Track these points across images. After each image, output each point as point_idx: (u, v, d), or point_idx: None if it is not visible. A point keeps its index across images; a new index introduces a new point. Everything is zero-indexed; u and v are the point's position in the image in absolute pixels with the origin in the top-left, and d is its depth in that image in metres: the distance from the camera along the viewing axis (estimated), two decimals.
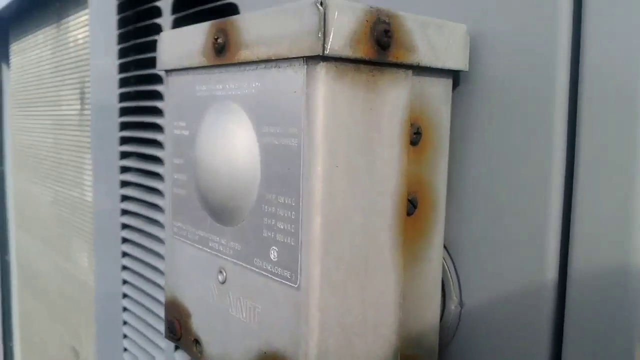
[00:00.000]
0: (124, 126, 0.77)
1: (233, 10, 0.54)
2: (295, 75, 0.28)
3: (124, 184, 0.78)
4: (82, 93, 1.04)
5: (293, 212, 0.29)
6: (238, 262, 0.33)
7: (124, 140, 0.77)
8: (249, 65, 0.32)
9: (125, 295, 0.79)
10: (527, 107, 0.32)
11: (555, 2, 0.31)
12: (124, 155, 0.77)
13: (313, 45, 0.27)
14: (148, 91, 0.72)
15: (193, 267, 0.38)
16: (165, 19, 0.63)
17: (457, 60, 0.33)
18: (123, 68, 0.76)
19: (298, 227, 0.29)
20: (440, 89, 0.34)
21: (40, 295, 1.35)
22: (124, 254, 0.79)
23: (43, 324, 1.34)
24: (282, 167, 0.30)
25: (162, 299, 0.69)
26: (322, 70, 0.27)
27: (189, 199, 0.38)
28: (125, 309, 0.80)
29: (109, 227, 0.83)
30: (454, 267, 0.36)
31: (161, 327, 0.71)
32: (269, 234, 0.31)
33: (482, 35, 0.34)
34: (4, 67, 1.61)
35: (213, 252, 0.35)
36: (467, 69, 0.34)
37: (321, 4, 0.26)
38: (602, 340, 0.29)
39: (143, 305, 0.75)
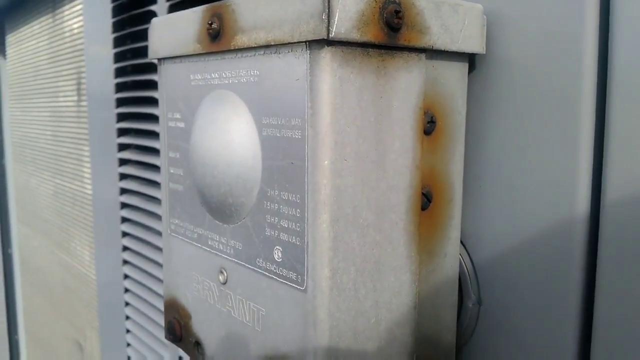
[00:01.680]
0: (122, 117, 0.74)
1: None
2: (297, 61, 0.26)
3: (123, 176, 0.75)
4: (79, 84, 1.02)
5: (298, 210, 0.27)
6: (239, 262, 0.31)
7: (122, 132, 0.75)
8: (246, 52, 0.29)
9: (127, 290, 0.78)
10: (550, 92, 0.30)
11: None
12: (122, 147, 0.75)
13: (317, 28, 0.24)
14: (145, 81, 0.69)
15: (192, 266, 0.36)
16: (160, 6, 0.61)
17: (473, 43, 0.31)
18: (118, 57, 0.73)
19: (304, 226, 0.27)
20: (455, 73, 0.31)
21: (43, 289, 1.34)
22: (125, 248, 0.77)
23: (47, 317, 1.33)
24: (285, 162, 0.27)
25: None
26: (327, 56, 0.25)
27: (186, 194, 0.35)
28: (127, 304, 0.78)
29: (108, 221, 0.81)
30: (472, 262, 0.34)
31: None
32: (272, 233, 0.29)
33: (499, 16, 0.32)
34: (0, 59, 1.58)
35: (213, 251, 0.33)
36: (483, 52, 0.32)
37: None
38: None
39: (145, 300, 0.73)
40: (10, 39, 1.44)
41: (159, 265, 0.68)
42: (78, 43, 1.00)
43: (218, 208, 0.32)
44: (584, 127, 0.29)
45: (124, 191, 0.76)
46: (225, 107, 0.31)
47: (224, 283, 0.33)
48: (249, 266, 0.30)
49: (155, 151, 0.68)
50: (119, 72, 0.74)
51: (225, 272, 0.32)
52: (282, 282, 0.28)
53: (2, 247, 1.63)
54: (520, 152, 0.31)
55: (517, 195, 0.32)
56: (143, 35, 0.67)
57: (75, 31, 1.01)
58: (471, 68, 0.33)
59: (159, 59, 0.37)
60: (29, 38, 1.29)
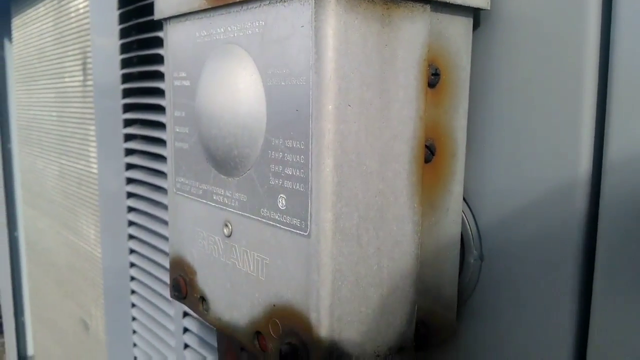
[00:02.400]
0: (127, 93, 0.75)
1: None
2: (302, 7, 0.26)
3: (128, 152, 0.76)
4: (85, 63, 1.02)
5: (302, 156, 0.27)
6: (244, 213, 0.32)
7: (127, 108, 0.75)
8: (252, 4, 0.29)
9: (132, 265, 0.78)
10: (555, 51, 0.30)
11: None
12: (128, 123, 0.75)
13: None
14: (151, 55, 0.69)
15: (197, 222, 0.36)
16: None
17: None
18: (124, 34, 0.73)
19: (308, 172, 0.27)
20: (460, 28, 0.31)
21: (49, 269, 1.35)
22: (130, 223, 0.77)
23: (53, 297, 1.34)
24: (290, 109, 0.28)
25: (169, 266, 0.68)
26: (332, 1, 0.25)
27: (192, 152, 0.36)
28: (132, 278, 0.79)
29: (114, 196, 0.82)
30: (474, 219, 0.34)
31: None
32: (277, 182, 0.29)
33: None
34: (6, 43, 1.59)
35: (218, 206, 0.34)
36: (488, 8, 0.32)
37: None
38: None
39: (150, 274, 0.74)
40: (16, 22, 1.45)
41: (165, 238, 0.68)
42: (84, 23, 1.00)
43: (223, 161, 0.32)
44: (587, 84, 0.29)
45: (129, 166, 0.76)
46: (230, 60, 0.31)
47: (229, 236, 0.33)
48: (254, 217, 0.31)
49: (160, 125, 0.69)
50: (124, 49, 0.74)
51: (230, 225, 0.33)
52: (286, 229, 0.29)
53: (8, 230, 1.64)
54: (524, 110, 0.32)
55: (520, 153, 0.32)
56: (149, 10, 0.67)
57: (81, 10, 1.02)
58: (476, 25, 0.33)
59: (165, 20, 0.37)
60: (34, 20, 1.29)
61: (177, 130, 0.37)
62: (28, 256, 1.56)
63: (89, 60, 1.00)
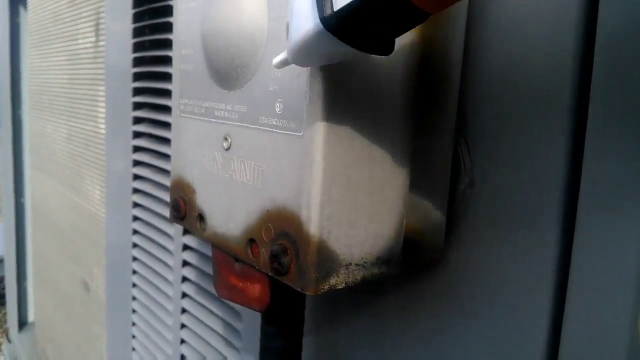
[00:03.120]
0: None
1: None
2: None
3: (137, 105, 0.77)
4: (97, 24, 1.03)
5: None
6: (243, 124, 0.33)
7: (137, 62, 0.76)
8: None
9: (135, 218, 0.80)
10: None
11: None
12: (136, 77, 0.77)
13: None
14: (163, 6, 0.70)
15: (198, 141, 0.37)
16: None
17: None
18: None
19: (305, 73, 0.28)
20: None
21: (53, 232, 1.37)
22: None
23: (55, 260, 1.36)
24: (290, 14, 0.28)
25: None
26: None
27: (196, 71, 0.37)
28: (135, 232, 0.80)
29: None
30: (467, 147, 0.35)
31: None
32: (275, 87, 0.30)
33: None
34: (21, 9, 1.61)
35: (219, 121, 0.35)
36: None
37: None
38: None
39: (152, 225, 0.75)
40: None
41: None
42: None
43: (226, 72, 0.33)
44: None
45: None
46: None
47: (228, 149, 0.34)
48: (252, 126, 0.32)
49: (168, 77, 0.70)
50: (137, 2, 0.75)
51: (229, 138, 0.34)
52: (282, 133, 0.30)
53: (15, 197, 1.66)
54: (519, 43, 0.32)
55: (513, 84, 0.32)
56: None
57: None
58: None
59: None
60: None
61: (183, 52, 0.38)
62: (33, 220, 1.58)
63: (102, 20, 1.01)
